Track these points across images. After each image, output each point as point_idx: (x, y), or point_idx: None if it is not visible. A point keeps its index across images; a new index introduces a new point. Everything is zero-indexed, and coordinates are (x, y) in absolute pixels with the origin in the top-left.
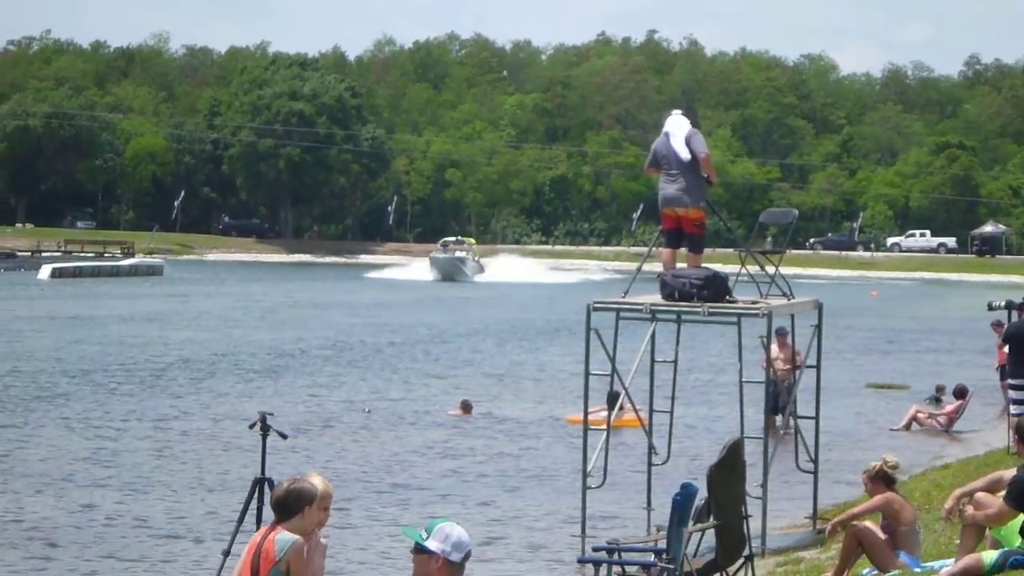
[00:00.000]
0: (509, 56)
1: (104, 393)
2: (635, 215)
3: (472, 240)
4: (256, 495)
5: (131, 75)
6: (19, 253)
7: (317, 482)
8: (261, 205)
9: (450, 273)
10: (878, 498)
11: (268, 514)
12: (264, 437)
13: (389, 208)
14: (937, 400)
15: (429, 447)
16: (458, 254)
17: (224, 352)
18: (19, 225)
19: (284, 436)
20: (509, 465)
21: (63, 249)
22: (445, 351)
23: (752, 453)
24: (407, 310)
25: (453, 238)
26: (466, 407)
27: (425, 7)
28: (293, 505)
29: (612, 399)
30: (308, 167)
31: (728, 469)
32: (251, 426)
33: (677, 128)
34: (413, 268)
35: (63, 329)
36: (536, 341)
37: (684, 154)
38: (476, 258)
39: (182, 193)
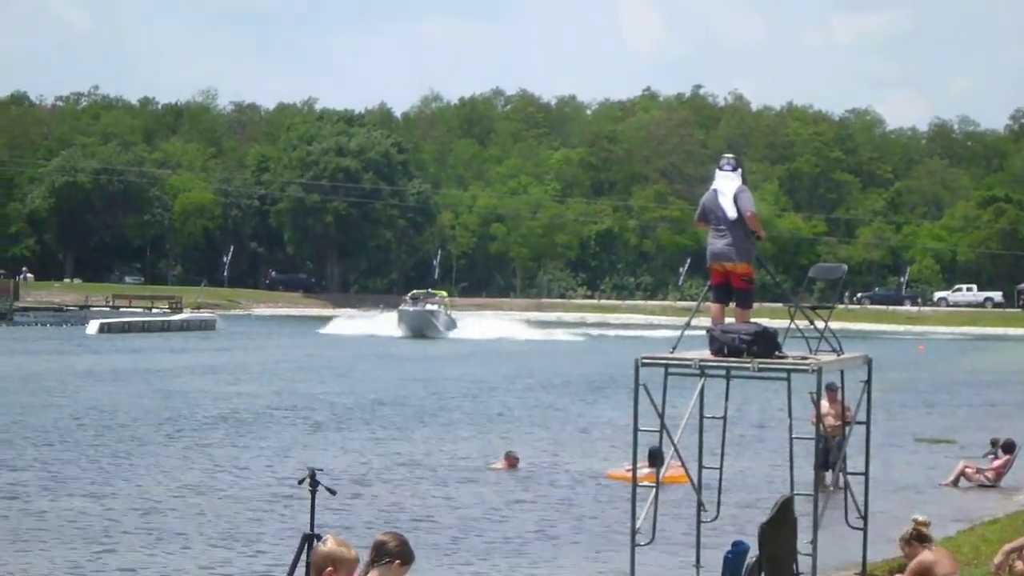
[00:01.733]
0: (554, 111)
1: (156, 445)
2: (682, 269)
3: (444, 293)
4: (304, 551)
5: (179, 131)
6: (67, 308)
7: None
8: (308, 259)
9: (420, 328)
10: (913, 563)
11: None
12: (313, 493)
13: (434, 262)
14: (995, 456)
15: (475, 502)
16: (428, 307)
17: (279, 404)
18: (67, 280)
19: (333, 492)
20: (555, 521)
21: (111, 304)
22: (477, 404)
23: (802, 509)
24: (420, 367)
25: (423, 291)
26: (511, 460)
27: (471, 63)
28: (396, 552)
29: (654, 455)
30: (354, 222)
31: (779, 526)
32: (300, 482)
33: (726, 186)
34: (376, 321)
35: (128, 383)
36: (562, 395)
37: (731, 212)
38: (448, 312)
39: (231, 248)
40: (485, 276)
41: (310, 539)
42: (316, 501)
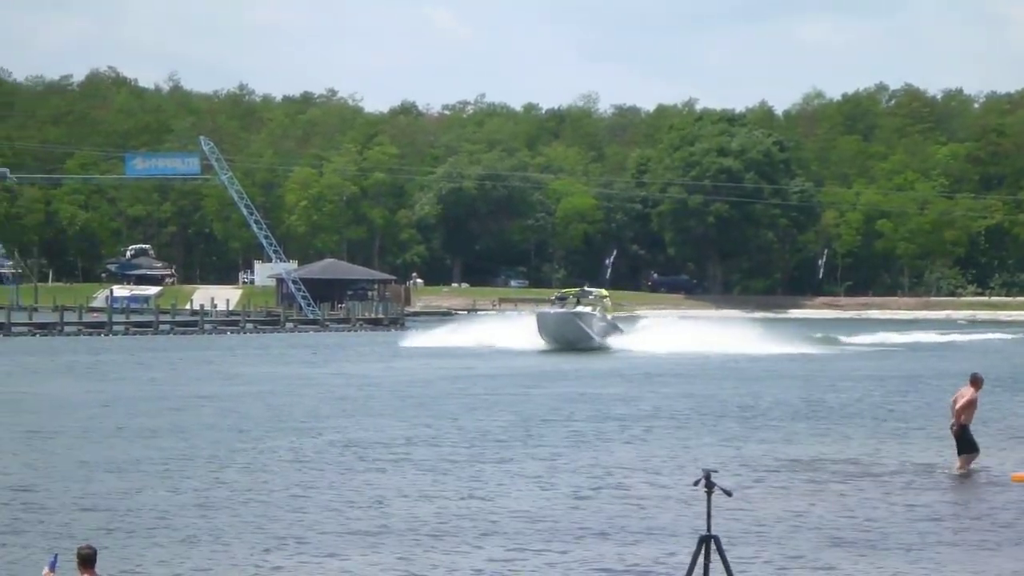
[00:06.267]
0: (940, 105)
1: (552, 445)
2: None
3: (604, 292)
4: (703, 552)
5: (561, 136)
6: (455, 312)
7: None
8: (689, 261)
9: (566, 337)
10: None
11: (714, 572)
12: (709, 494)
13: (819, 262)
14: None
15: (865, 503)
16: (579, 308)
17: (671, 406)
18: (455, 284)
19: (729, 493)
20: (953, 522)
21: (497, 307)
22: (864, 405)
23: None
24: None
25: (575, 289)
26: (976, 381)
27: (854, 60)
28: None
29: None
30: (735, 222)
31: None
32: (695, 483)
33: None
34: (501, 329)
35: (521, 384)
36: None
37: None
38: (608, 315)
39: (614, 251)
40: (871, 275)
41: (707, 540)
42: (712, 502)
